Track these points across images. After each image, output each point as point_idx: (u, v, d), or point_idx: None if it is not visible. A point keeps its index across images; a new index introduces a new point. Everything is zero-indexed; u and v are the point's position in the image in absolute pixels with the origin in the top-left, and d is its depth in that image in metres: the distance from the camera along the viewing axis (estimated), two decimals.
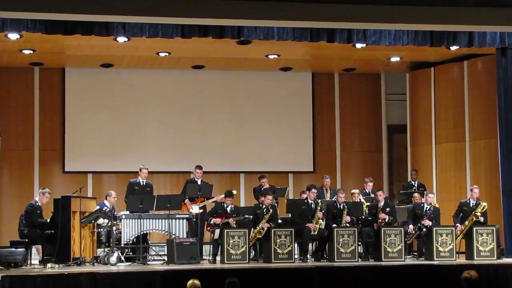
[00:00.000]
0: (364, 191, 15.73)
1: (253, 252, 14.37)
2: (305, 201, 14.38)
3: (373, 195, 15.24)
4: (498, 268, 12.89)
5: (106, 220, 13.94)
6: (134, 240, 13.89)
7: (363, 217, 14.64)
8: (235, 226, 13.95)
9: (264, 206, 14.06)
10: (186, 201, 14.79)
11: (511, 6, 12.35)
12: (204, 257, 14.30)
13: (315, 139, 18.67)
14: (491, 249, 14.13)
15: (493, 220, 14.85)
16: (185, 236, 13.93)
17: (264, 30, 13.79)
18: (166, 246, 14.06)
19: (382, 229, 13.94)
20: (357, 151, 18.93)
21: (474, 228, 14.20)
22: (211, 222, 14.17)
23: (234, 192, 14.89)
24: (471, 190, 14.72)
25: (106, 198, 14.84)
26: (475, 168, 16.83)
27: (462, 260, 14.23)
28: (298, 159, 18.49)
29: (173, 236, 13.83)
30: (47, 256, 13.13)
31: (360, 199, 15.14)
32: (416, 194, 15.74)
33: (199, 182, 15.20)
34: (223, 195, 14.72)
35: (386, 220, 14.20)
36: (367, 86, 19.03)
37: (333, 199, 15.02)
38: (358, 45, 15.09)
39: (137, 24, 13.31)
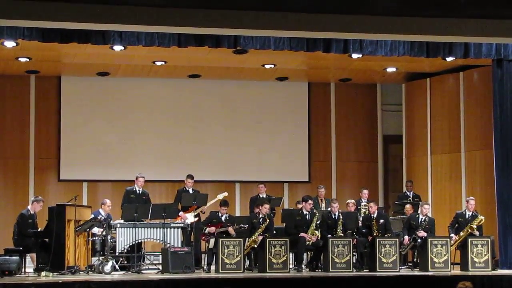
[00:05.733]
0: (361, 200, 15.72)
1: (247, 262, 14.33)
2: (300, 212, 14.34)
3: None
4: (492, 279, 12.91)
5: (101, 229, 13.90)
6: (129, 249, 13.86)
7: (356, 229, 14.58)
8: (234, 234, 13.93)
9: (260, 216, 14.03)
10: (180, 213, 14.67)
11: (506, 18, 12.36)
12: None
13: (311, 149, 18.66)
14: (485, 260, 14.11)
15: (488, 231, 14.84)
16: (179, 245, 13.89)
17: (260, 39, 13.82)
18: (160, 255, 14.04)
19: (377, 239, 13.93)
20: (352, 161, 18.92)
21: (469, 239, 14.17)
22: (206, 231, 14.15)
23: (226, 193, 14.91)
24: (467, 201, 14.71)
25: (101, 207, 14.82)
26: (470, 179, 16.81)
27: (457, 271, 14.21)
28: (293, 169, 18.47)
29: (168, 245, 13.80)
30: (42, 264, 13.09)
31: (356, 209, 15.11)
32: (407, 206, 15.73)
33: (190, 191, 15.11)
34: (215, 199, 14.75)
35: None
36: (363, 96, 19.03)
37: (328, 209, 14.99)
38: (354, 56, 15.11)
39: (133, 32, 13.35)
